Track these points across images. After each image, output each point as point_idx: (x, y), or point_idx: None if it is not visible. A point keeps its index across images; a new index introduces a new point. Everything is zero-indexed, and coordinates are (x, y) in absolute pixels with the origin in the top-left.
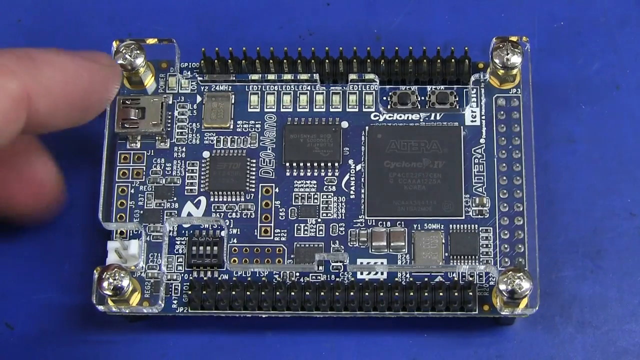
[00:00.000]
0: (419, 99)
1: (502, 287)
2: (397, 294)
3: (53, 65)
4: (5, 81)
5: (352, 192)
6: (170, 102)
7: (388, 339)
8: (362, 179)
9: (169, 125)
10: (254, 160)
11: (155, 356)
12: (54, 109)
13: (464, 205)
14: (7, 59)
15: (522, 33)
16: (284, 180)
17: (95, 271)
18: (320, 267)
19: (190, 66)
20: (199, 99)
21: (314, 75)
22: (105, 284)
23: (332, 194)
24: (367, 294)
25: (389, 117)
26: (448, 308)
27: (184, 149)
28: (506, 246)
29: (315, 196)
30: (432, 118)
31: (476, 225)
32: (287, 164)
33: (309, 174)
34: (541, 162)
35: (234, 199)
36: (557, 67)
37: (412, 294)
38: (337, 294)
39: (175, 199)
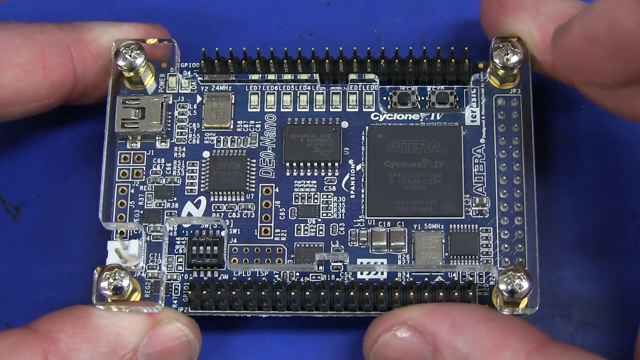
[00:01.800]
0: (419, 99)
1: (502, 287)
2: (397, 294)
3: None
4: None
5: (352, 192)
6: (170, 102)
7: None
8: (362, 179)
9: (169, 125)
10: (254, 160)
11: None
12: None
13: (464, 205)
14: None
15: None
16: (284, 180)
17: (95, 271)
18: (320, 267)
19: (190, 66)
20: (199, 99)
21: (314, 75)
22: (105, 284)
23: (332, 194)
24: (367, 294)
25: (389, 117)
26: None
27: (184, 149)
28: (506, 246)
29: (315, 196)
30: (432, 118)
31: (476, 225)
32: (287, 164)
33: (309, 174)
34: (541, 162)
35: (234, 199)
36: None
37: (412, 294)
38: (337, 294)
39: (175, 199)
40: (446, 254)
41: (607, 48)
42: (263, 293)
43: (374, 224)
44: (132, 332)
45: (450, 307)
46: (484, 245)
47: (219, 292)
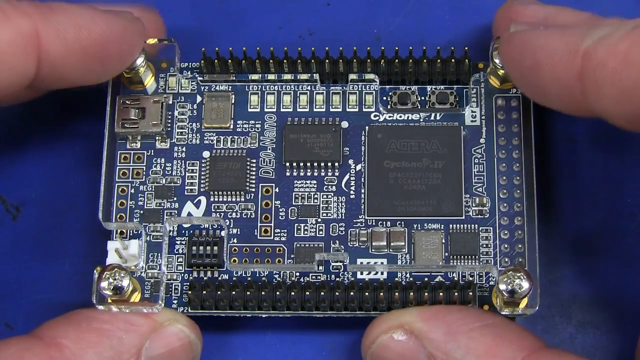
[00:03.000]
0: (419, 99)
1: (502, 287)
2: (397, 294)
3: (68, 11)
4: (17, 18)
5: (352, 192)
6: (170, 102)
7: None
8: (362, 179)
9: (169, 125)
10: (254, 160)
11: None
12: (67, 54)
13: (464, 205)
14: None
15: None
16: (284, 180)
17: (95, 271)
18: (320, 267)
19: (190, 66)
20: (199, 99)
21: (314, 75)
22: (105, 284)
23: (332, 194)
24: (367, 294)
25: (389, 117)
26: None
27: (184, 149)
28: (506, 246)
29: (315, 196)
30: (432, 118)
31: (476, 225)
32: (287, 164)
33: (309, 174)
34: (541, 162)
35: (234, 199)
36: None
37: (412, 294)
38: (337, 294)
39: (175, 199)
40: (446, 254)
41: (529, 75)
42: (263, 293)
43: (374, 224)
44: (135, 335)
45: (447, 312)
46: (484, 245)
47: (219, 292)
